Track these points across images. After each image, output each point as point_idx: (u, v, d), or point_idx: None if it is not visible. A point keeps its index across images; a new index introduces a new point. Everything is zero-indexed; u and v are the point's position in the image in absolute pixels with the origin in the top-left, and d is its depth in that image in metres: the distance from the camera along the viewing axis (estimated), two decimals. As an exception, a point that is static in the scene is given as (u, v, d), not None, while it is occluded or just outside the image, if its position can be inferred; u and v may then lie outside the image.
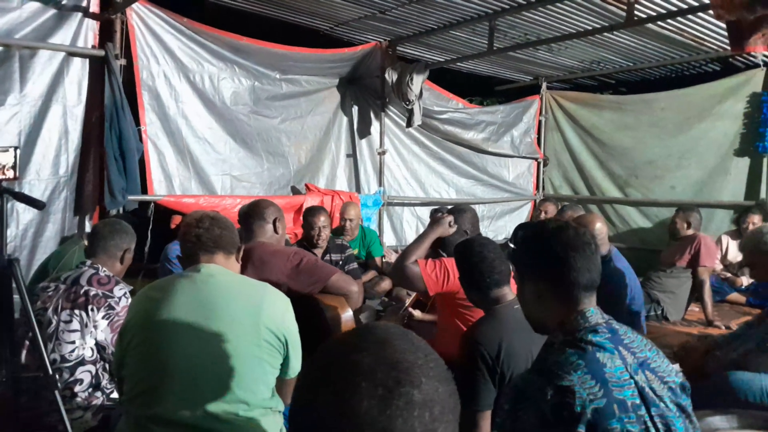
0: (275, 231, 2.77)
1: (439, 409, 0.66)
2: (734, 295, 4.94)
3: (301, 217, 4.35)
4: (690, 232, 4.65)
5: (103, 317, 2.31)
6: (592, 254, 1.42)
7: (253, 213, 2.78)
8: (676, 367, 1.43)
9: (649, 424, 1.25)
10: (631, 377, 1.29)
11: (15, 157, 2.05)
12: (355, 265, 4.25)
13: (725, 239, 5.43)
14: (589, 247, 1.42)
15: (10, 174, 2.05)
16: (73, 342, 2.27)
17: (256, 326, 1.74)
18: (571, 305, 1.40)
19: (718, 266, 5.16)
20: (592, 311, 1.39)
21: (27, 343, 2.25)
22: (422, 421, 0.64)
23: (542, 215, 5.49)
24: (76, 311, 2.28)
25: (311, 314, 2.56)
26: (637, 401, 1.27)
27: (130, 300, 2.37)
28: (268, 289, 1.89)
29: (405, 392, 0.64)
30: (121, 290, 2.38)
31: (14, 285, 2.10)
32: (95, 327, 2.30)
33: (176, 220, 4.17)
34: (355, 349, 0.70)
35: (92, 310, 2.29)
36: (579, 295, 1.40)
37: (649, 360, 1.35)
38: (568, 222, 1.47)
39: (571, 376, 1.26)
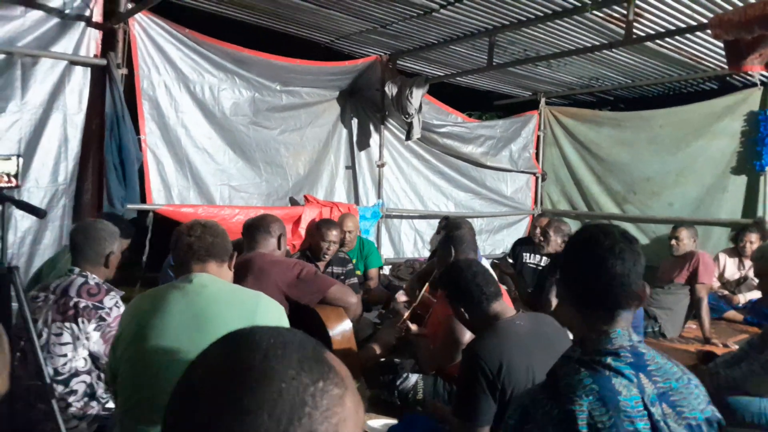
0: (278, 246, 2.80)
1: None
2: (731, 313, 4.94)
3: (313, 227, 4.35)
4: (690, 249, 4.67)
5: (94, 329, 2.27)
6: (641, 262, 1.35)
7: (259, 225, 2.82)
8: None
9: None
10: (646, 408, 1.22)
11: (17, 165, 2.05)
12: (355, 279, 4.25)
13: (722, 257, 5.44)
14: (641, 255, 1.36)
15: (12, 182, 2.05)
16: (65, 355, 2.24)
17: None
18: (598, 323, 1.32)
19: (716, 284, 5.16)
20: (619, 332, 1.30)
21: (18, 354, 2.22)
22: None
23: (537, 231, 5.48)
24: (67, 324, 2.24)
25: (310, 326, 2.55)
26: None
27: (122, 308, 2.32)
28: (261, 298, 1.87)
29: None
30: (111, 299, 2.33)
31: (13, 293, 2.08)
32: (87, 339, 2.26)
33: None
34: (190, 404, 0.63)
35: (83, 322, 2.25)
36: (611, 314, 1.31)
37: (671, 392, 1.26)
38: (611, 228, 1.41)
39: (581, 401, 1.20)
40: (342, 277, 4.08)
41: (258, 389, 0.59)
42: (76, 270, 2.38)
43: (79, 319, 2.25)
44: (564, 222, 4.42)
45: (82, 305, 2.27)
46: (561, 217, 5.93)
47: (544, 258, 4.67)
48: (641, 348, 1.31)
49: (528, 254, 5.16)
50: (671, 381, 1.28)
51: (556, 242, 4.10)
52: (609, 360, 1.26)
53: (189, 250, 1.86)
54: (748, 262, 5.25)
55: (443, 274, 2.30)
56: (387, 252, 6.26)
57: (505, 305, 2.17)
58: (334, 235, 4.04)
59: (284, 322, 1.87)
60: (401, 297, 3.88)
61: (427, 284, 3.46)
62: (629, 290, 1.32)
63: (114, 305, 2.33)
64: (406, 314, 3.32)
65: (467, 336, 2.43)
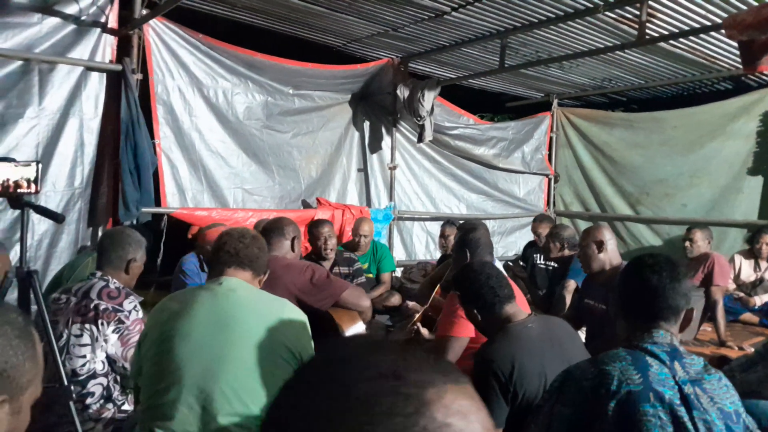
0: (292, 249, 2.83)
1: None
2: (747, 315, 4.88)
3: (308, 232, 4.37)
4: (704, 250, 4.63)
5: (113, 331, 2.30)
6: (682, 284, 1.54)
7: (274, 228, 2.85)
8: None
9: (689, 425, 1.32)
10: (677, 384, 1.38)
11: (37, 171, 2.08)
12: (363, 279, 4.26)
13: (738, 259, 5.38)
14: (684, 279, 1.55)
15: (32, 188, 2.09)
16: (84, 356, 2.27)
17: (273, 343, 1.75)
18: (645, 327, 1.50)
19: (731, 286, 5.11)
20: (662, 333, 1.48)
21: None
22: None
23: (537, 236, 5.45)
24: (87, 325, 2.28)
25: (323, 328, 2.57)
26: (677, 401, 1.35)
27: (140, 312, 2.37)
28: (287, 306, 1.90)
29: None
30: (131, 303, 2.37)
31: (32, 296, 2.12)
32: (105, 341, 2.29)
33: (193, 230, 4.20)
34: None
35: (102, 324, 2.28)
36: (653, 323, 1.50)
37: (704, 381, 1.42)
38: (660, 254, 1.61)
39: (615, 364, 1.40)
40: (349, 277, 4.10)
41: None
42: (98, 274, 2.44)
43: (99, 321, 2.28)
44: (563, 226, 4.41)
45: (102, 307, 2.30)
46: (561, 222, 5.91)
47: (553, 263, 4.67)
48: (680, 348, 1.48)
49: (538, 255, 5.15)
50: (704, 374, 1.44)
51: (556, 248, 4.10)
52: (646, 345, 1.45)
53: (235, 255, 1.90)
54: (764, 264, 5.19)
55: (456, 277, 2.30)
56: (399, 254, 6.27)
57: (517, 308, 2.17)
58: (326, 231, 4.05)
59: (307, 332, 1.89)
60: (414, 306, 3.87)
61: (438, 287, 3.46)
62: (666, 303, 1.49)
63: (133, 309, 2.37)
64: (417, 316, 3.33)
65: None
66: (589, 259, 3.12)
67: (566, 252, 4.06)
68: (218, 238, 1.98)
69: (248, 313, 1.79)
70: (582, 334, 3.14)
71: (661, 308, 1.49)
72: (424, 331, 3.16)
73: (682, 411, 1.33)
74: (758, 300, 4.98)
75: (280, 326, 1.78)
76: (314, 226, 4.14)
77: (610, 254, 3.10)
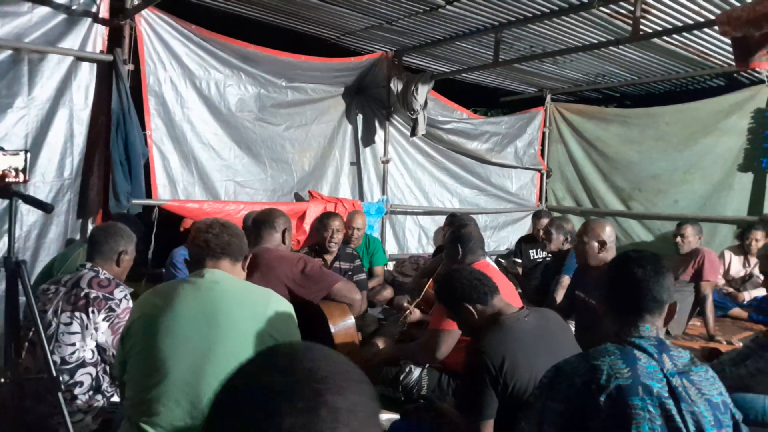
0: (283, 241, 2.82)
1: (364, 413, 0.65)
2: (736, 310, 4.93)
3: (315, 221, 4.38)
4: (695, 246, 4.66)
5: (103, 319, 2.29)
6: (665, 278, 1.56)
7: (264, 220, 2.83)
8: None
9: (677, 417, 1.35)
10: (665, 377, 1.40)
11: (25, 160, 2.06)
12: (363, 276, 4.25)
13: (728, 254, 5.42)
14: (667, 273, 1.57)
15: (20, 177, 2.06)
16: (74, 344, 2.26)
17: (259, 334, 1.74)
18: (631, 321, 1.53)
19: (721, 281, 5.15)
20: (647, 327, 1.51)
21: (27, 345, 2.25)
22: (351, 427, 0.63)
23: (540, 231, 5.45)
24: (77, 313, 2.27)
25: (314, 321, 2.56)
26: (665, 393, 1.37)
27: (130, 302, 2.36)
28: (272, 297, 1.88)
29: (327, 400, 0.63)
30: (121, 292, 2.37)
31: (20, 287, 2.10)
32: (96, 329, 2.29)
33: (186, 223, 4.18)
34: (264, 371, 0.68)
35: (93, 312, 2.28)
36: (639, 316, 1.52)
37: (692, 373, 1.45)
38: (644, 250, 1.65)
39: (604, 358, 1.44)
40: (349, 273, 4.09)
41: (347, 390, 0.66)
42: (88, 265, 2.43)
43: (90, 309, 2.28)
44: (566, 220, 4.42)
45: (92, 295, 2.30)
46: (564, 215, 5.93)
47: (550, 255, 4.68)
48: (667, 342, 1.51)
49: (533, 251, 5.17)
50: (690, 366, 1.47)
51: (558, 240, 4.10)
52: (634, 339, 1.48)
53: (206, 247, 1.89)
54: (753, 260, 5.24)
55: (441, 285, 2.31)
56: (391, 248, 6.27)
57: (505, 301, 2.19)
58: (336, 224, 4.06)
59: (294, 322, 1.88)
60: (404, 302, 3.87)
61: (431, 280, 3.46)
62: (651, 295, 1.52)
63: (123, 297, 2.37)
64: (409, 309, 3.33)
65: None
66: (587, 255, 3.14)
67: (566, 246, 4.06)
68: (190, 233, 1.98)
69: (233, 305, 1.77)
70: (571, 325, 3.16)
71: (646, 301, 1.52)
72: (417, 312, 3.17)
73: (670, 404, 1.35)
74: (747, 295, 5.03)
75: (265, 317, 1.77)
76: (326, 217, 4.14)
77: (609, 252, 3.12)
